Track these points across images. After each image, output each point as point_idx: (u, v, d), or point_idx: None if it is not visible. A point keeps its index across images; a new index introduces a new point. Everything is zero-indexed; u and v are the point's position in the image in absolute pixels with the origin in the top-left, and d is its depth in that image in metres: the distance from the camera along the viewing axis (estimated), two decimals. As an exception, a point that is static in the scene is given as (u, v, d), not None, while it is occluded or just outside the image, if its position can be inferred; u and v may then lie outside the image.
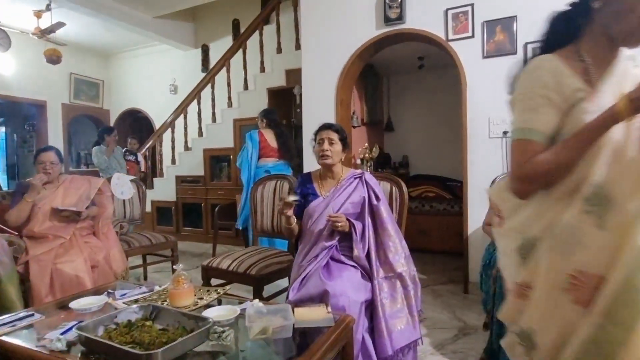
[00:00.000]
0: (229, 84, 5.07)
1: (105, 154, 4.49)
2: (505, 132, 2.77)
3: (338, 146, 1.90)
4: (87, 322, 1.34)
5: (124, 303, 1.64)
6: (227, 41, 5.81)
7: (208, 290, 1.71)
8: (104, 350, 1.20)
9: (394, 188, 2.12)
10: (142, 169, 4.97)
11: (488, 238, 2.16)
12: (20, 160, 7.81)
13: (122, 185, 3.34)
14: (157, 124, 6.37)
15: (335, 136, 1.89)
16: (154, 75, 6.68)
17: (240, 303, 1.59)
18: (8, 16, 5.16)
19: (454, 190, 4.39)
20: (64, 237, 2.41)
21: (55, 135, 6.44)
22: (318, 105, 3.58)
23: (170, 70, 6.52)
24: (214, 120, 5.24)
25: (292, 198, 1.79)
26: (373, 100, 4.81)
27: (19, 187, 2.50)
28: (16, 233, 2.47)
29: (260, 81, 4.93)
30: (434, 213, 4.13)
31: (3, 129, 8.24)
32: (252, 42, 4.95)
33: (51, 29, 4.77)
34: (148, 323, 1.38)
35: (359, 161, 4.12)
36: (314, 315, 1.42)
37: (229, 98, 5.11)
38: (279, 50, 4.82)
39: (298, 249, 1.99)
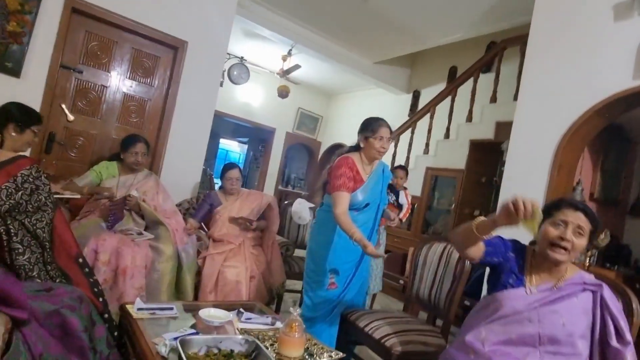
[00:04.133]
0: (429, 131, 4.84)
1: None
2: None
3: (583, 241, 1.28)
4: (194, 338, 1.31)
5: (242, 329, 1.57)
6: (440, 88, 5.61)
7: (322, 348, 1.46)
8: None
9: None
10: (402, 215, 3.45)
11: None
12: (249, 174, 9.59)
13: (302, 211, 3.50)
14: (356, 161, 6.67)
15: (587, 225, 1.28)
16: (363, 115, 7.03)
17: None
18: (262, 58, 6.43)
19: None
20: (234, 243, 2.64)
21: (275, 158, 7.60)
22: (527, 166, 2.91)
23: (379, 112, 6.70)
24: (407, 164, 5.07)
25: None
26: (614, 172, 3.68)
27: (207, 198, 2.89)
28: (207, 231, 2.85)
29: (463, 131, 4.50)
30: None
31: (246, 147, 10.38)
32: (464, 90, 4.61)
33: (289, 70, 5.68)
34: (246, 362, 1.26)
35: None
36: None
37: (427, 145, 4.87)
38: (493, 99, 4.31)
39: (466, 337, 1.47)
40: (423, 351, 1.81)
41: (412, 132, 5.03)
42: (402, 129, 5.13)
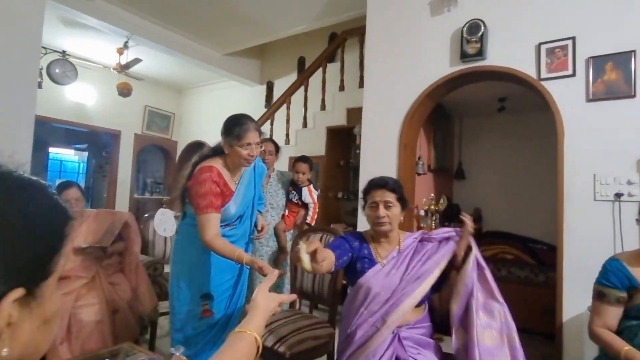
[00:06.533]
0: (288, 121, 4.92)
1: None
2: (618, 194, 2.15)
3: (396, 209, 1.55)
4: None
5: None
6: (292, 78, 5.75)
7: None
8: None
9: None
10: (309, 218, 2.94)
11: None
12: (95, 185, 8.34)
13: (166, 222, 3.18)
14: (218, 158, 6.40)
15: (392, 197, 1.54)
16: (220, 110, 6.82)
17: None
18: (93, 52, 5.57)
19: (537, 254, 3.68)
20: (85, 276, 2.23)
21: (125, 163, 6.75)
22: (379, 149, 3.20)
23: (236, 106, 6.60)
24: (270, 157, 5.08)
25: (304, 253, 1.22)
26: (442, 145, 4.33)
27: None
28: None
29: (320, 119, 4.71)
30: (513, 280, 3.44)
31: (86, 154, 8.97)
32: (315, 80, 4.80)
33: (128, 65, 5.04)
34: None
35: (422, 212, 3.63)
36: None
37: (287, 135, 4.95)
38: (342, 88, 4.60)
39: (343, 325, 1.57)
40: (315, 345, 1.84)
41: (272, 124, 5.04)
42: (261, 121, 5.09)
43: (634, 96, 2.15)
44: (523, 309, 3.31)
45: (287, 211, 2.94)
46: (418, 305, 1.50)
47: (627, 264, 1.50)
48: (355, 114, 4.24)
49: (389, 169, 3.10)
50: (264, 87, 6.33)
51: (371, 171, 3.24)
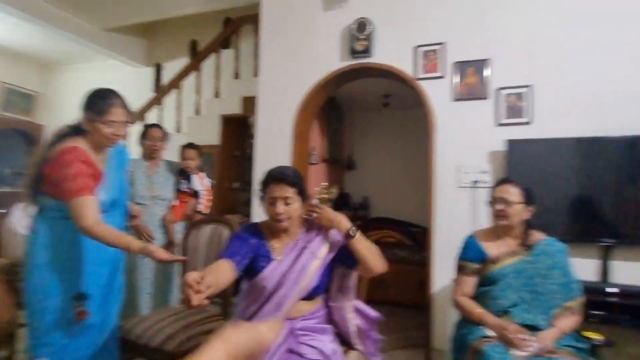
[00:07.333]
0: (179, 107, 4.63)
1: (145, 172, 2.67)
2: (475, 182, 2.52)
3: (296, 204, 1.44)
4: None
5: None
6: (183, 62, 5.40)
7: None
8: None
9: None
10: (202, 207, 2.79)
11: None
12: None
13: (25, 218, 2.76)
14: (97, 145, 5.73)
15: (291, 192, 1.42)
16: (99, 92, 6.11)
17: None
18: None
19: (415, 236, 4.12)
20: None
21: (-27, 150, 5.64)
22: (273, 139, 3.22)
23: (119, 88, 5.91)
24: (159, 145, 4.73)
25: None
26: (335, 136, 4.54)
27: None
28: None
29: (214, 107, 4.54)
30: (394, 261, 3.79)
31: None
32: (208, 66, 4.60)
33: (-26, 30, 4.18)
34: None
35: (315, 201, 3.77)
36: None
37: (178, 123, 4.66)
38: (237, 75, 4.49)
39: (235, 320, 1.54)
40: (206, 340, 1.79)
41: (161, 109, 4.69)
42: (147, 106, 4.71)
43: (486, 98, 2.54)
44: (403, 285, 3.70)
45: (177, 201, 2.76)
46: (311, 298, 1.49)
47: (481, 239, 1.79)
48: (251, 103, 4.17)
49: (283, 159, 3.14)
50: (151, 69, 5.84)
51: (266, 161, 3.26)
